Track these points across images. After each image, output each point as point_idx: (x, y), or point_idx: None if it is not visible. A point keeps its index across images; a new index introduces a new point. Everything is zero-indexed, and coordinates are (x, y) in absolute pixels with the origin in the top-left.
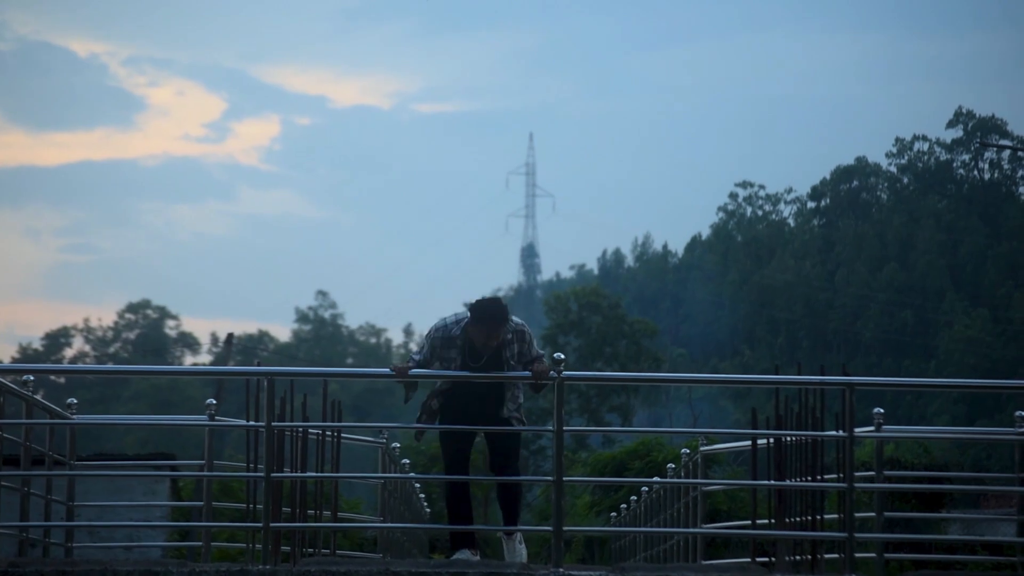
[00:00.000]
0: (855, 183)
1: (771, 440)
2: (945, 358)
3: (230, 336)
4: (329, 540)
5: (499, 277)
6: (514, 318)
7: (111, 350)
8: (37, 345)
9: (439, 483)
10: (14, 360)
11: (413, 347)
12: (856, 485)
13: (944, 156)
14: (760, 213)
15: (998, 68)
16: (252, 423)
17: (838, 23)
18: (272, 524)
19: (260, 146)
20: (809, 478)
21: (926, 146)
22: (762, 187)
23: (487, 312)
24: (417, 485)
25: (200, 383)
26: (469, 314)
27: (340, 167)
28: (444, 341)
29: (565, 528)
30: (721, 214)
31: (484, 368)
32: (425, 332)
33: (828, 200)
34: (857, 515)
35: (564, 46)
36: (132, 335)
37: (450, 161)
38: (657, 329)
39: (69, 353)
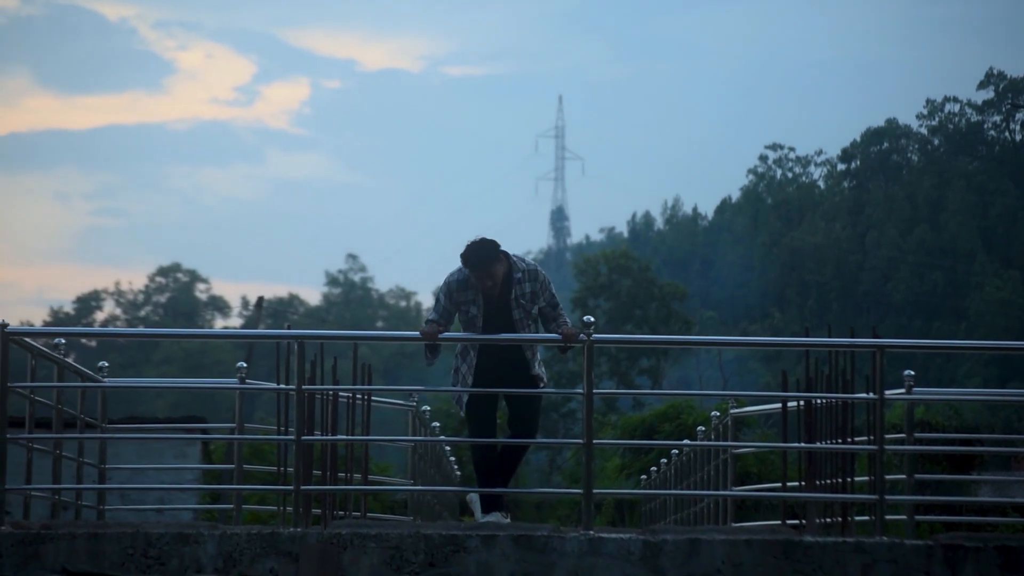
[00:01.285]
0: (885, 145)
1: (801, 403)
2: (976, 320)
3: (260, 300)
4: (360, 503)
5: (529, 240)
6: (526, 261)
7: (142, 313)
8: (68, 308)
9: (468, 446)
10: (45, 323)
11: (426, 308)
12: (887, 448)
13: (975, 117)
14: (790, 175)
15: None
16: (283, 386)
17: None
18: (303, 487)
19: (289, 109)
20: (839, 441)
21: (957, 107)
22: (792, 149)
23: (473, 256)
24: (447, 448)
25: (231, 347)
26: (470, 268)
27: (369, 130)
28: (460, 284)
29: (595, 491)
30: (751, 176)
31: (499, 307)
32: (438, 295)
33: (858, 162)
34: (888, 477)
35: (594, 8)
36: (163, 299)
37: (479, 124)
38: (687, 292)
39: (100, 316)
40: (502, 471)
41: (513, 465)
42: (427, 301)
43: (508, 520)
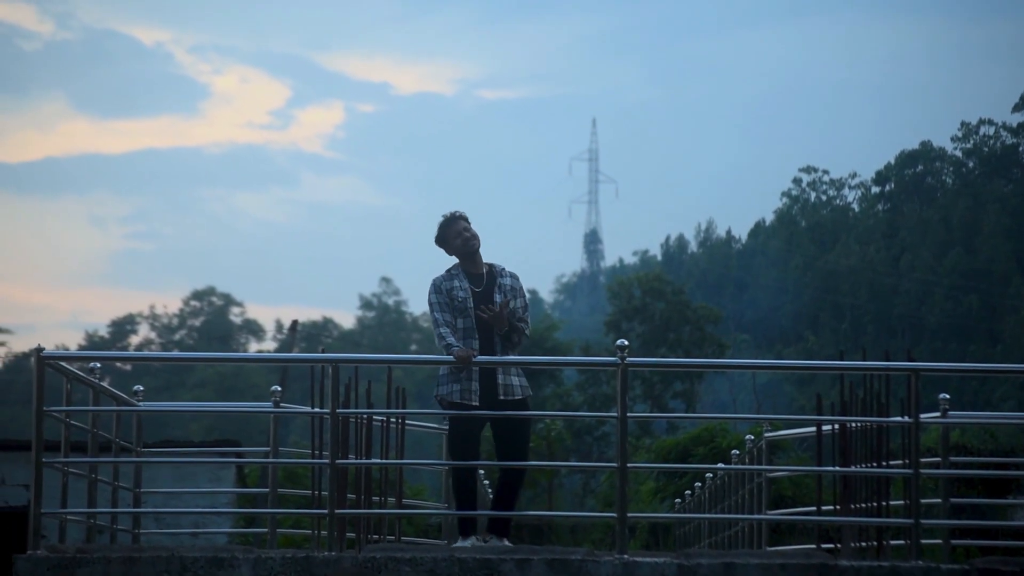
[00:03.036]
0: (920, 168)
1: (836, 426)
2: (1011, 343)
3: (295, 323)
4: (394, 526)
5: (562, 263)
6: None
7: (176, 337)
8: (103, 332)
9: (494, 470)
10: (80, 347)
11: (427, 323)
12: (922, 471)
13: (1010, 140)
14: (824, 198)
15: None
16: (317, 410)
17: (903, 6)
18: (337, 511)
19: (323, 133)
20: (874, 464)
21: (992, 130)
22: (826, 172)
23: (448, 214)
24: (481, 472)
25: (265, 370)
26: (446, 232)
27: (403, 154)
28: (444, 277)
29: (629, 514)
30: (785, 199)
31: (485, 293)
32: (429, 300)
33: (893, 185)
34: (923, 501)
35: (627, 31)
36: (197, 322)
37: (513, 147)
38: (721, 315)
39: (135, 340)
40: (503, 499)
41: (511, 501)
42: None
43: (483, 543)
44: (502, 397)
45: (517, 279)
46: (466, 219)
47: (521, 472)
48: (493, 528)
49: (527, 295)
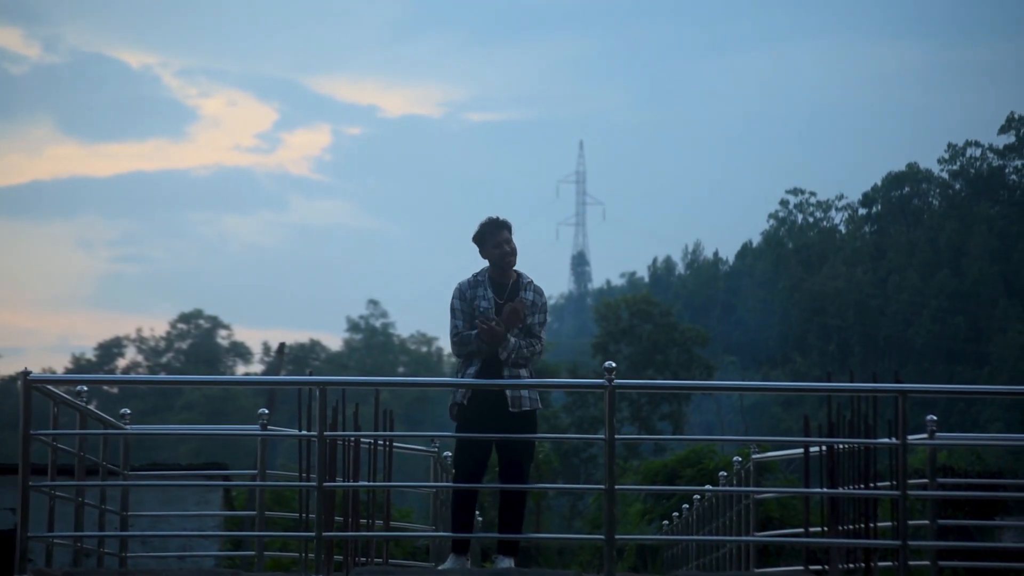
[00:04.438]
0: (907, 189)
1: (823, 447)
2: (998, 364)
3: (282, 346)
4: (382, 549)
5: (550, 285)
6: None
7: (163, 360)
8: (90, 355)
9: (490, 491)
10: (67, 370)
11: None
12: (909, 493)
13: (996, 162)
14: (811, 220)
15: None
16: (304, 433)
17: (890, 29)
18: (325, 533)
19: (311, 156)
20: (862, 486)
21: (978, 152)
22: (813, 194)
23: (495, 218)
24: None
25: (252, 393)
26: (486, 235)
27: (391, 176)
28: (469, 283)
29: (617, 536)
30: (772, 221)
31: (508, 303)
32: (452, 304)
33: (880, 206)
34: (910, 523)
35: (614, 54)
36: (184, 345)
37: (500, 169)
38: (708, 337)
39: (122, 363)
40: (504, 518)
41: (515, 520)
42: (448, 347)
43: (468, 564)
44: (512, 409)
45: (541, 295)
46: (510, 229)
47: (519, 490)
48: (500, 548)
49: (547, 307)
